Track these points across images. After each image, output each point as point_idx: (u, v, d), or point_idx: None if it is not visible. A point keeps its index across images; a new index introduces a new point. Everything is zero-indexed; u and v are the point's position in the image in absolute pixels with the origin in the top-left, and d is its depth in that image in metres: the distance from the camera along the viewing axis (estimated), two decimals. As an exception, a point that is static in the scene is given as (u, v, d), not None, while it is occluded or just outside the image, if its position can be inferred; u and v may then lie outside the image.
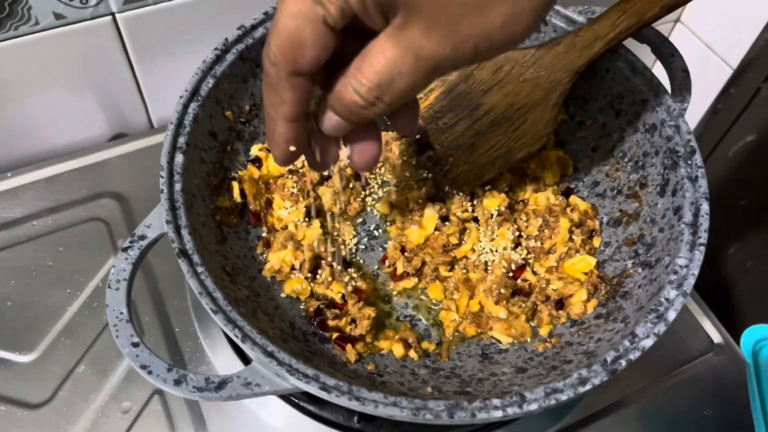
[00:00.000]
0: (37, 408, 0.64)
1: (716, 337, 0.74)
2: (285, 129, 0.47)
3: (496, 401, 0.47)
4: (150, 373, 0.48)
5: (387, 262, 0.66)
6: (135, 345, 0.50)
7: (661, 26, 1.19)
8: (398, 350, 0.60)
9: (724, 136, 1.16)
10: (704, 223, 0.56)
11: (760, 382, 0.70)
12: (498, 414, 0.47)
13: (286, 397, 0.65)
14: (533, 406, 0.47)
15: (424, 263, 0.65)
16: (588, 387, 0.48)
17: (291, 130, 0.47)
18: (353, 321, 0.60)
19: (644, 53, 0.68)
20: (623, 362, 0.49)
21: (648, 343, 0.50)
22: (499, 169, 0.67)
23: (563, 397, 0.47)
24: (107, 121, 0.88)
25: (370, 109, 0.43)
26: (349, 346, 0.58)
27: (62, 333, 0.68)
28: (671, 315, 0.51)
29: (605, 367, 0.49)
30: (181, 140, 0.59)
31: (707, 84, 1.16)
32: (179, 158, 0.58)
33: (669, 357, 0.72)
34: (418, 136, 0.70)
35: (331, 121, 0.46)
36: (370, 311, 0.60)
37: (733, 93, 1.11)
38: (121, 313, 0.51)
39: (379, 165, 0.73)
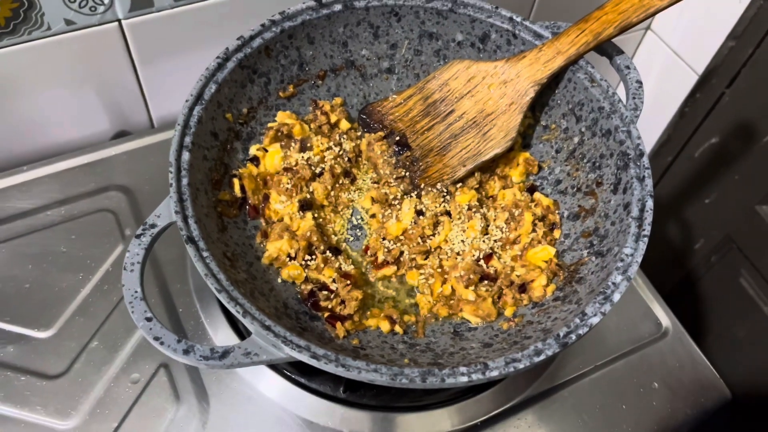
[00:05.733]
0: (55, 379, 0.69)
1: (665, 321, 0.81)
2: None
3: (462, 369, 0.53)
4: (162, 344, 0.54)
5: (369, 252, 0.72)
6: (148, 320, 0.55)
7: (632, 33, 1.23)
8: (385, 326, 0.66)
9: (690, 138, 1.21)
10: (648, 217, 0.62)
11: None
12: (464, 379, 0.53)
13: (280, 370, 0.71)
14: (494, 373, 0.53)
15: (402, 253, 0.71)
16: (542, 357, 0.55)
17: None
18: (343, 302, 0.66)
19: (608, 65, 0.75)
20: (573, 336, 0.56)
21: (595, 320, 0.56)
22: (469, 169, 0.73)
23: (521, 366, 0.54)
24: (110, 119, 0.92)
25: None
26: (338, 324, 0.64)
27: (76, 312, 0.73)
28: (616, 296, 0.58)
29: (558, 341, 0.55)
30: (187, 140, 0.64)
31: (675, 89, 1.21)
32: (185, 156, 0.63)
33: (623, 338, 0.79)
34: (397, 138, 0.76)
35: None
36: (357, 293, 0.66)
37: (698, 98, 1.16)
38: (136, 291, 0.56)
39: (364, 164, 0.78)
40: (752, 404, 1.14)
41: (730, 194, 1.15)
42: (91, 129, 0.92)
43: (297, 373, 0.70)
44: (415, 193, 0.75)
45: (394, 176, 0.75)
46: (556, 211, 0.73)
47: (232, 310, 0.55)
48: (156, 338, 0.54)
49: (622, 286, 0.58)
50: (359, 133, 0.79)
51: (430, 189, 0.74)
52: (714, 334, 1.22)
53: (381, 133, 0.77)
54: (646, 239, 0.61)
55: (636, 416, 0.73)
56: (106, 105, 0.90)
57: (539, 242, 0.70)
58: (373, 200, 0.74)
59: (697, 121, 1.18)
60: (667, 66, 1.22)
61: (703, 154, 1.20)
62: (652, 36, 1.24)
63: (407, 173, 0.75)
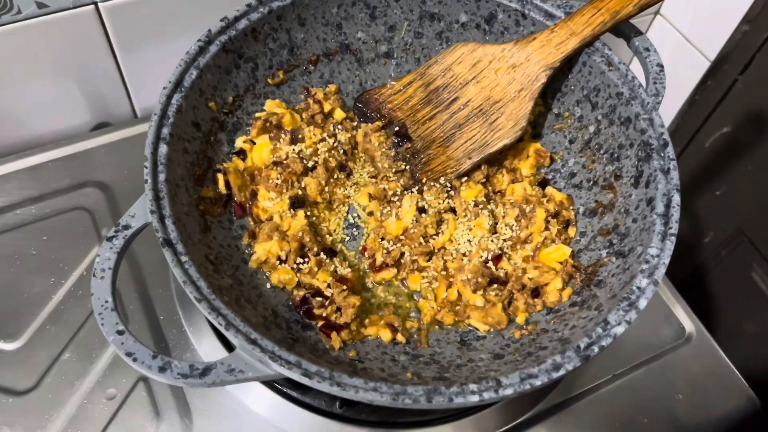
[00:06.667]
0: (23, 395, 0.65)
1: (688, 325, 0.77)
2: None
3: (473, 386, 0.49)
4: (135, 360, 0.50)
5: (366, 253, 0.68)
6: (120, 333, 0.51)
7: (641, 18, 1.20)
8: (385, 335, 0.62)
9: (700, 128, 1.19)
10: (675, 213, 0.58)
11: None
12: (474, 398, 0.49)
13: (270, 384, 0.67)
14: (509, 391, 0.49)
15: (402, 254, 0.67)
16: (561, 372, 0.50)
17: None
18: (338, 309, 0.62)
19: (624, 47, 0.71)
20: (596, 348, 0.51)
21: (620, 330, 0.52)
22: (475, 162, 0.70)
23: (537, 382, 0.49)
24: (90, 110, 0.89)
25: None
26: (334, 334, 0.60)
27: (47, 321, 0.69)
28: (642, 303, 0.53)
29: (578, 353, 0.51)
30: (165, 131, 0.60)
31: (685, 76, 1.18)
32: (163, 149, 0.59)
33: (643, 344, 0.75)
34: (396, 128, 0.73)
35: None
36: (355, 300, 0.62)
37: (710, 85, 1.13)
38: (106, 301, 0.52)
39: (360, 156, 0.75)
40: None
41: (742, 186, 1.13)
42: (70, 121, 0.89)
43: (289, 386, 0.67)
44: (417, 188, 0.72)
45: (394, 170, 0.72)
46: (571, 207, 0.70)
47: (214, 322, 0.51)
48: (128, 354, 0.50)
49: (649, 291, 0.54)
50: (355, 123, 0.77)
51: (432, 184, 0.71)
52: (724, 329, 1.21)
53: (379, 123, 0.74)
54: (673, 238, 0.57)
55: (658, 431, 0.70)
56: (85, 95, 0.87)
57: (553, 241, 0.67)
58: (371, 196, 0.71)
59: (708, 110, 1.16)
60: (677, 52, 1.20)
61: (714, 144, 1.17)
62: (662, 21, 1.21)
63: (407, 167, 0.72)
